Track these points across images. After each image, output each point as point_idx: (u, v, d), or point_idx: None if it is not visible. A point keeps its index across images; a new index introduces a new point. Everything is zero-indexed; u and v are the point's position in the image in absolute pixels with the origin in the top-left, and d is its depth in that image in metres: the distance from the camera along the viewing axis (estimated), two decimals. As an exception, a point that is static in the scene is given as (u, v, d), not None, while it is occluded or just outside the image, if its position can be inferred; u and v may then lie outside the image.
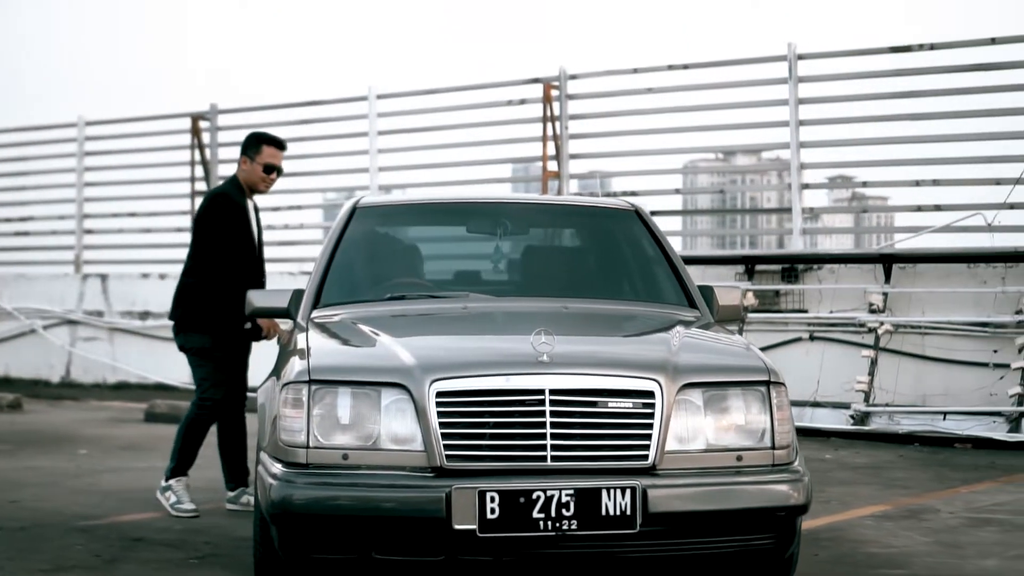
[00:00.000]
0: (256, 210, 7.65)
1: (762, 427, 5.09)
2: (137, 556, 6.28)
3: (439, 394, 4.91)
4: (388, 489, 4.85)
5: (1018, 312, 10.72)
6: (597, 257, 6.69)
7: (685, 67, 12.93)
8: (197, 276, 7.43)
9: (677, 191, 13.82)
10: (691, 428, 5.03)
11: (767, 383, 5.14)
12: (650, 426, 4.94)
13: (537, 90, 13.77)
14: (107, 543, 6.55)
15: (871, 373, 11.10)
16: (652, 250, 6.62)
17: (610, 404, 4.95)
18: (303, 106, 15.68)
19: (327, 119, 15.39)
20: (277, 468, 5.00)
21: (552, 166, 13.59)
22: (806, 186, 12.28)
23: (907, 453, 10.07)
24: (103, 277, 16.84)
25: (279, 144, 7.57)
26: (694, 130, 12.91)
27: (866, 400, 11.00)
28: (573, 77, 13.58)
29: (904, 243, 11.64)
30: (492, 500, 4.80)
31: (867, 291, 11.36)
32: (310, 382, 5.00)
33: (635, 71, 13.25)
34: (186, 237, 16.70)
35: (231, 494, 7.50)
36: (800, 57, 12.20)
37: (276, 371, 5.55)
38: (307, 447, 4.95)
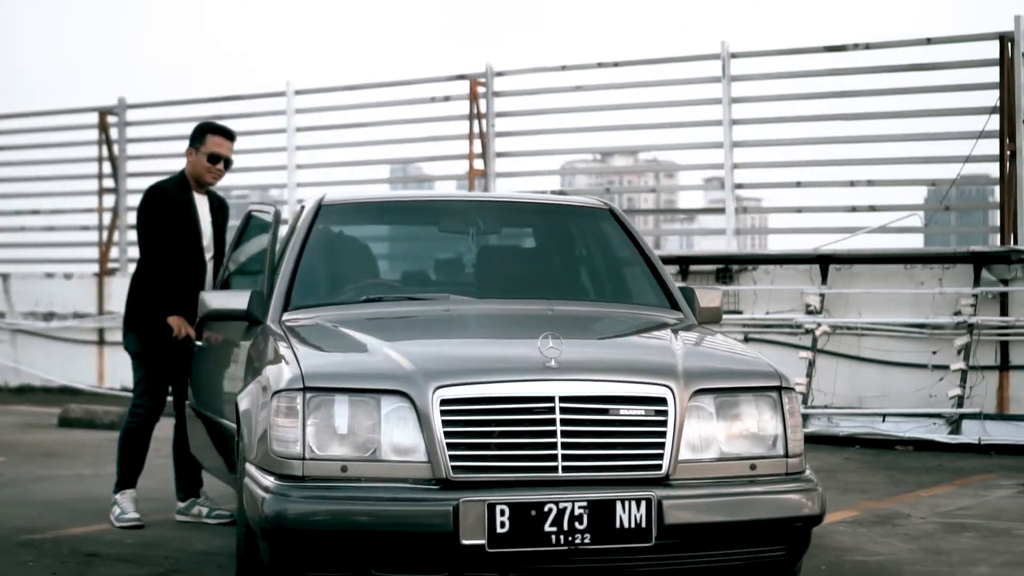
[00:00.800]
0: (220, 208, 7.26)
1: (775, 434, 4.92)
2: (96, 572, 5.94)
3: (443, 401, 4.67)
4: (391, 503, 4.59)
5: (957, 313, 10.70)
6: (573, 257, 6.48)
7: (615, 65, 12.77)
8: (136, 275, 7.10)
9: (607, 190, 13.66)
10: (704, 436, 4.83)
11: (779, 388, 4.97)
12: (663, 434, 4.74)
13: (462, 87, 13.53)
14: (60, 559, 6.20)
15: (809, 375, 11.02)
16: (628, 250, 6.43)
17: (622, 411, 4.74)
18: (218, 101, 15.28)
19: (243, 115, 15.00)
20: (269, 481, 4.71)
21: (479, 164, 13.35)
22: (739, 186, 12.17)
23: (851, 456, 9.98)
24: (4, 277, 16.30)
25: (226, 133, 7.21)
26: (624, 129, 12.75)
27: (804, 402, 10.91)
28: (500, 74, 13.36)
29: (839, 244, 11.56)
30: (502, 513, 4.56)
31: (804, 292, 11.28)
32: (304, 389, 4.73)
33: (563, 68, 13.07)
34: (93, 236, 16.26)
35: (181, 505, 7.17)
36: (733, 56, 12.09)
37: (253, 377, 5.26)
38: (303, 459, 4.68)
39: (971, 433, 10.23)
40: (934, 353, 10.76)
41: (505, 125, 13.40)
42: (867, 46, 11.60)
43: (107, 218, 15.81)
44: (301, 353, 4.97)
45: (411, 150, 13.94)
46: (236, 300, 5.89)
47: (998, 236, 10.92)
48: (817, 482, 4.94)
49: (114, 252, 15.85)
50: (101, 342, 15.50)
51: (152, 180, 15.93)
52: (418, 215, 6.58)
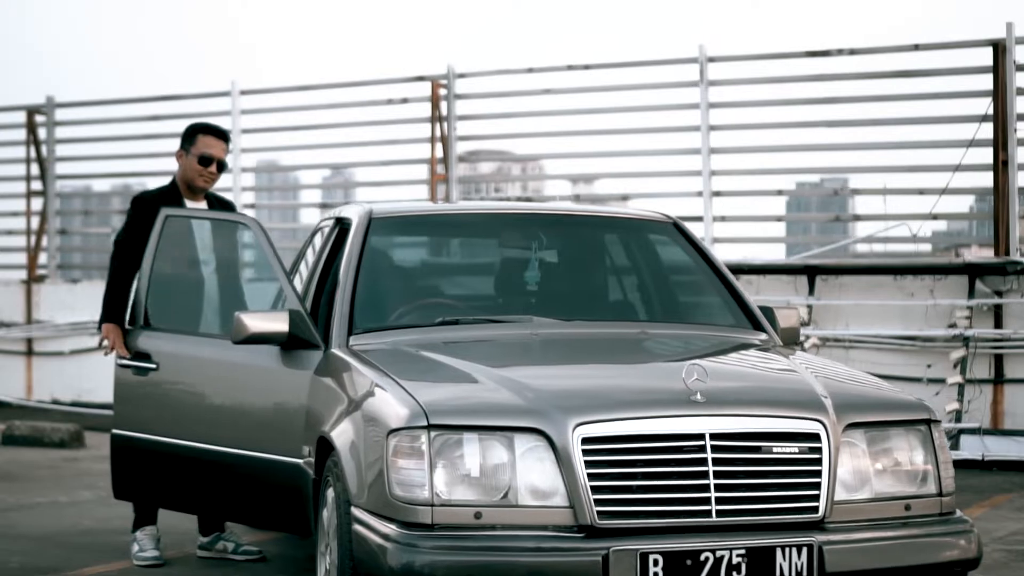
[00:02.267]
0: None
1: (927, 471, 4.58)
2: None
3: (585, 440, 4.24)
4: (534, 553, 4.17)
5: (952, 326, 10.47)
6: (643, 274, 6.07)
7: (586, 67, 12.37)
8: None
9: (577, 197, 13.27)
10: (857, 474, 4.47)
11: (928, 421, 4.64)
12: (818, 473, 4.37)
13: (422, 88, 13.04)
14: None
15: (797, 388, 10.70)
16: (698, 265, 6.05)
17: (775, 449, 4.35)
18: (156, 101, 14.60)
19: (184, 115, 14.32)
20: (390, 529, 4.25)
21: (441, 169, 12.88)
22: (717, 193, 11.84)
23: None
24: (-77, 283, 15.47)
25: (218, 133, 6.67)
26: (596, 134, 12.36)
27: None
28: (462, 76, 12.89)
29: (823, 253, 11.30)
30: (655, 563, 4.17)
31: (790, 303, 10.97)
32: (429, 428, 4.26)
33: (530, 71, 12.64)
34: (20, 240, 15.51)
35: (204, 540, 6.61)
36: (711, 60, 11.76)
37: (343, 411, 4.77)
38: (431, 504, 4.22)
39: (971, 449, 10.00)
40: (929, 366, 10.52)
41: (468, 129, 12.94)
42: (852, 51, 11.32)
43: (35, 222, 15.05)
44: (411, 386, 4.50)
45: (368, 154, 13.43)
46: (275, 322, 5.39)
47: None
48: (971, 522, 4.60)
49: (42, 258, 15.10)
50: (29, 352, 14.75)
51: (82, 183, 15.36)
52: (476, 228, 6.13)
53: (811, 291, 10.94)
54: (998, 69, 10.51)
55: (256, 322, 5.38)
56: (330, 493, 4.79)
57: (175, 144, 14.46)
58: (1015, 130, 10.50)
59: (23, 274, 15.09)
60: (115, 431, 6.15)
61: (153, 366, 6.02)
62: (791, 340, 5.87)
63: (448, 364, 4.83)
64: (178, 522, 7.09)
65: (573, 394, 4.40)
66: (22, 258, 15.24)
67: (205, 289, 6.25)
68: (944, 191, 10.88)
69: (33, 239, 15.01)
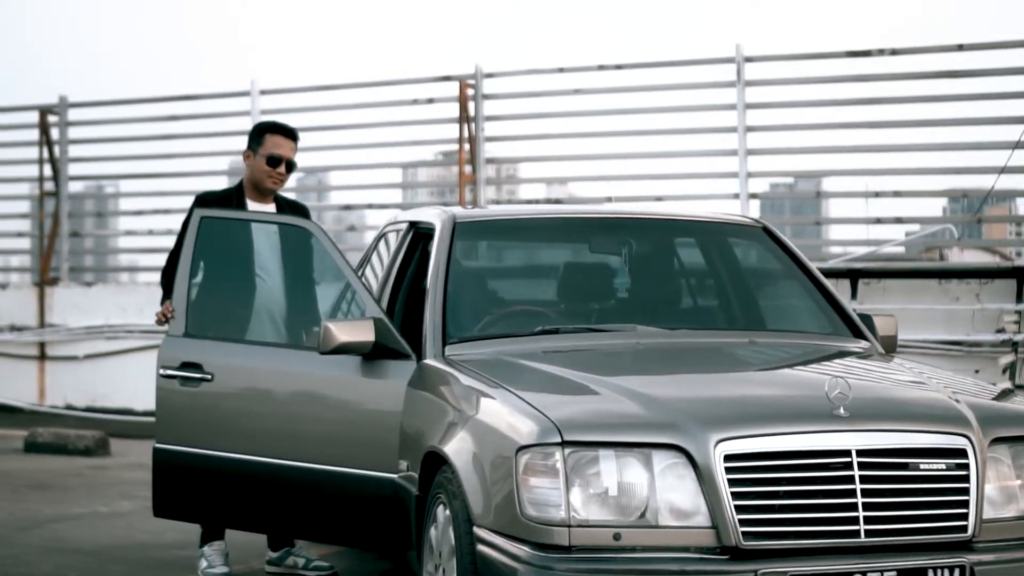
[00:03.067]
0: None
1: None
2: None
3: (728, 457, 4.03)
4: (679, 576, 3.95)
5: (1000, 331, 10.29)
6: (737, 280, 5.87)
7: (618, 67, 12.16)
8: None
9: (608, 199, 13.03)
10: (1003, 491, 4.28)
11: None
12: (966, 491, 4.17)
13: (449, 89, 12.82)
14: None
15: (841, 394, 10.51)
16: (790, 270, 5.86)
17: (922, 466, 4.15)
18: (174, 100, 14.34)
19: (202, 115, 14.11)
20: (522, 550, 4.03)
21: (469, 171, 12.66)
22: (754, 195, 11.65)
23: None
24: (-68, 286, 15.18)
25: (287, 132, 6.42)
26: (630, 135, 12.14)
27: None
28: (490, 75, 12.67)
29: (864, 257, 11.10)
30: (805, 587, 3.95)
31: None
32: (563, 444, 4.05)
33: (561, 71, 12.42)
34: (27, 243, 15.25)
35: (273, 555, 6.38)
36: (748, 59, 11.57)
37: (453, 424, 4.55)
38: (568, 525, 4.00)
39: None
40: (977, 372, 10.33)
41: (496, 129, 12.72)
42: (893, 52, 11.13)
43: (48, 224, 14.77)
44: (535, 399, 4.29)
45: (393, 155, 13.20)
46: (362, 331, 5.17)
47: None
48: None
49: (55, 260, 14.82)
50: (42, 357, 14.47)
51: (95, 184, 15.07)
52: (562, 232, 5.92)
53: (853, 295, 10.74)
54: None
55: (344, 331, 5.16)
56: (440, 511, 4.57)
57: (194, 144, 14.37)
58: (1063, 132, 10.33)
59: (35, 277, 14.82)
60: (158, 446, 5.84)
61: (206, 376, 5.74)
62: (890, 348, 5.69)
63: (563, 376, 4.62)
64: (242, 535, 6.86)
65: (711, 408, 4.19)
66: (34, 260, 14.96)
67: (261, 296, 5.98)
68: (989, 194, 10.70)
69: (46, 241, 14.74)
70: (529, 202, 12.53)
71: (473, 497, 4.29)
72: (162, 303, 6.01)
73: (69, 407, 14.14)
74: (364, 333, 5.17)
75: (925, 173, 11.17)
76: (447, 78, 12.88)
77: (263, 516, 5.63)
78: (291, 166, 6.38)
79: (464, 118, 12.58)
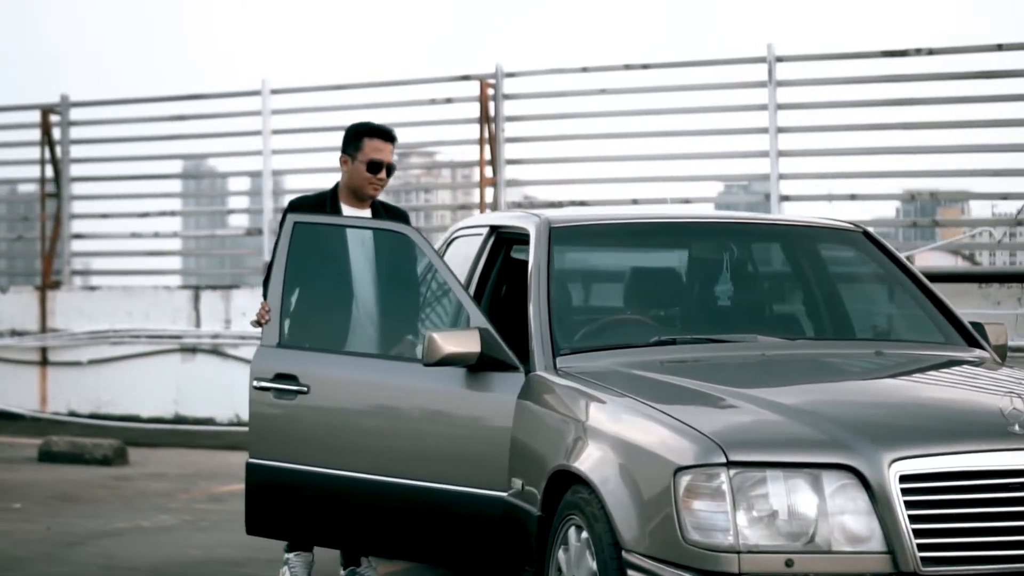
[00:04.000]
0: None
1: None
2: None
3: (903, 478, 3.80)
4: (857, 606, 3.72)
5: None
6: (839, 287, 5.66)
7: (645, 67, 11.93)
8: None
9: (634, 201, 12.81)
10: None
11: None
12: None
13: (468, 89, 12.55)
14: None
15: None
16: (894, 277, 5.66)
17: None
18: (180, 100, 14.01)
19: (211, 115, 13.80)
20: (687, 579, 3.79)
21: (490, 172, 12.40)
22: (785, 198, 11.44)
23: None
24: (-73, 290, 14.81)
25: (385, 134, 6.15)
26: (657, 135, 11.91)
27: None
28: (511, 75, 12.41)
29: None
30: (990, 618, 3.73)
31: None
32: (728, 464, 3.81)
33: (584, 70, 12.18)
34: (25, 247, 14.92)
35: (343, 573, 6.11)
36: (780, 59, 11.35)
37: (591, 444, 4.31)
38: (737, 551, 3.76)
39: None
40: (1021, 378, 10.14)
41: (517, 130, 12.46)
42: (930, 51, 10.94)
43: (49, 226, 14.42)
44: (686, 416, 4.06)
45: (414, 156, 12.91)
46: (468, 342, 4.93)
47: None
48: None
49: (56, 263, 14.47)
50: (44, 362, 14.13)
51: (99, 186, 14.76)
52: (663, 238, 5.68)
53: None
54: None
55: (449, 342, 4.92)
56: (572, 532, 4.33)
57: (202, 145, 14.05)
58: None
59: (37, 280, 14.48)
60: (252, 461, 5.56)
61: (302, 389, 5.47)
62: (1002, 358, 5.49)
63: (700, 390, 4.38)
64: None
65: (883, 426, 3.97)
66: (36, 263, 14.63)
67: (357, 304, 5.70)
68: (1031, 195, 10.52)
69: (47, 244, 14.39)
70: (555, 204, 12.29)
71: (621, 520, 4.05)
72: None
73: (72, 414, 13.81)
74: (470, 344, 4.93)
75: (963, 175, 10.99)
76: (466, 77, 12.62)
77: (360, 534, 5.36)
78: (391, 170, 6.09)
79: (484, 119, 12.33)
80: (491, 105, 12.34)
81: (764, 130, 11.40)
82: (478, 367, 4.99)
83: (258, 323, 5.68)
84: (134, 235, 14.39)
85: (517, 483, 4.79)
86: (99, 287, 14.28)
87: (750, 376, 4.64)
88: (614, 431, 4.24)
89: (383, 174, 6.06)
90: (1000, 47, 10.77)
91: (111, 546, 7.33)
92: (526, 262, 5.26)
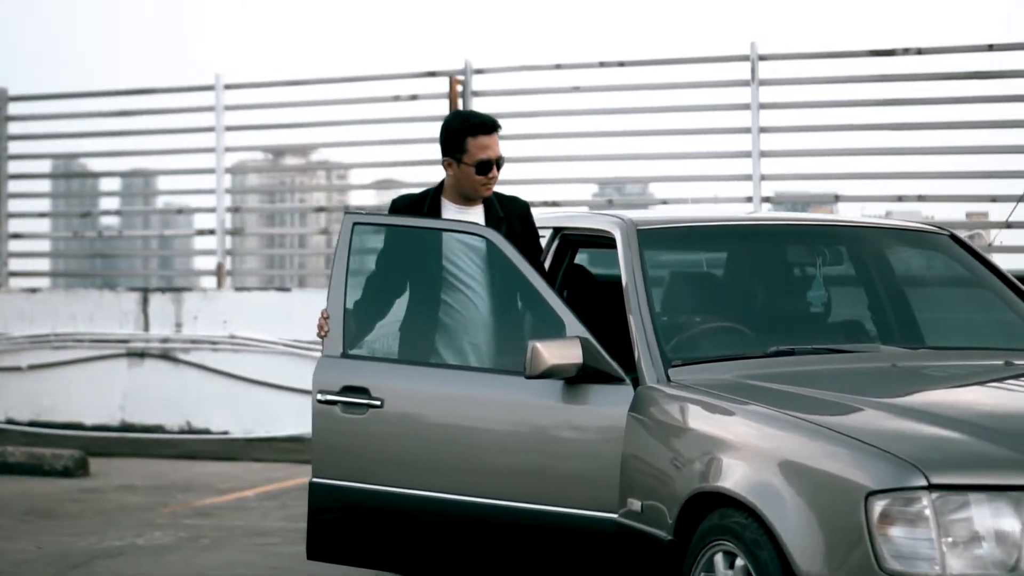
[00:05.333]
0: (509, 219, 5.45)
1: None
2: None
3: (1107, 499, 3.52)
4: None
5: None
6: (947, 292, 5.41)
7: (621, 64, 11.64)
8: None
9: (610, 202, 12.53)
10: None
11: None
12: None
13: (436, 85, 12.17)
14: None
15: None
16: (988, 282, 5.42)
17: None
18: (128, 95, 13.45)
19: (162, 111, 13.26)
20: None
21: (459, 171, 12.00)
22: (767, 199, 11.21)
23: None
24: None
25: (488, 127, 5.45)
26: (634, 135, 11.62)
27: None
28: (480, 71, 12.05)
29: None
30: None
31: (861, 316, 10.37)
32: (930, 487, 3.51)
33: (558, 67, 11.86)
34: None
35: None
36: (763, 58, 11.12)
37: (741, 463, 3.98)
38: (945, 582, 3.45)
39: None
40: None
41: (487, 128, 12.06)
42: (919, 51, 10.77)
43: (-15, 226, 13.77)
44: (866, 435, 3.75)
45: (375, 153, 12.50)
46: (571, 352, 4.58)
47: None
48: None
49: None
50: (-20, 368, 13.48)
51: (39, 183, 14.14)
52: (754, 241, 5.36)
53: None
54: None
55: (554, 353, 4.56)
56: (720, 559, 3.99)
57: (150, 142, 13.46)
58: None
59: (-28, 281, 13.83)
60: (316, 480, 5.15)
61: (375, 403, 5.07)
62: None
63: (858, 405, 4.08)
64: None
65: None
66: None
67: (438, 311, 5.25)
68: (1021, 198, 10.36)
69: (-17, 244, 13.74)
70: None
71: (795, 547, 3.71)
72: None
73: (10, 421, 13.19)
74: (572, 354, 4.57)
75: (952, 177, 10.83)
76: (433, 74, 12.24)
77: (441, 560, 4.97)
78: (501, 163, 5.46)
79: (454, 116, 11.92)
80: (460, 102, 11.97)
81: (747, 130, 11.16)
82: (577, 379, 4.65)
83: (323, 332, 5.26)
84: (77, 235, 13.80)
85: (634, 504, 4.44)
86: (40, 289, 13.67)
87: (899, 389, 4.34)
88: (771, 449, 3.91)
89: (495, 171, 5.43)
90: (991, 47, 10.66)
91: (116, 566, 6.87)
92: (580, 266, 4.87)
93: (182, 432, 12.55)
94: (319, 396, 5.10)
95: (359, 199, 11.38)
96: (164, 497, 9.23)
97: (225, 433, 12.37)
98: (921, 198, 10.82)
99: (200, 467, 10.81)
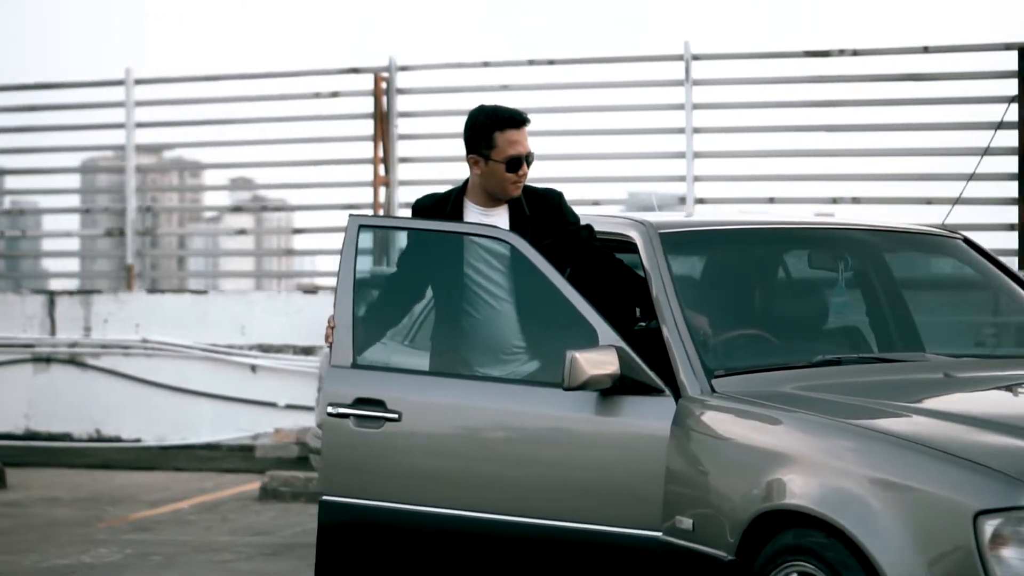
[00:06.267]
0: (536, 217, 5.06)
1: None
2: None
3: None
4: None
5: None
6: (968, 297, 5.29)
7: (551, 63, 11.45)
8: None
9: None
10: None
11: None
12: None
13: (359, 82, 11.87)
14: None
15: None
16: (1005, 287, 5.31)
17: None
18: (33, 90, 12.93)
19: (68, 106, 12.75)
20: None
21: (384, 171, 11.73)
22: (701, 200, 11.08)
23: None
24: None
25: (517, 121, 5.03)
26: (565, 135, 11.43)
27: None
28: (404, 68, 11.77)
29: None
30: None
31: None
32: (1036, 506, 3.36)
33: (485, 65, 11.63)
34: None
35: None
36: (696, 58, 11.00)
37: (793, 479, 3.81)
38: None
39: None
40: None
41: (412, 127, 11.83)
42: (855, 52, 10.73)
43: None
44: (961, 450, 3.59)
45: (293, 152, 12.16)
46: (608, 362, 4.38)
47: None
48: None
49: None
50: None
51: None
52: (782, 245, 5.19)
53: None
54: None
55: (592, 363, 4.34)
56: (802, 582, 3.81)
57: (62, 138, 12.93)
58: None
59: None
60: (327, 499, 4.84)
61: (392, 416, 4.79)
62: None
63: (938, 418, 3.91)
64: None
65: None
66: None
67: (472, 319, 4.98)
68: (957, 201, 10.36)
69: None
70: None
71: (892, 569, 3.53)
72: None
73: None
74: (609, 364, 4.36)
75: (888, 179, 10.81)
76: (355, 70, 11.94)
77: None
78: (531, 159, 5.07)
79: (379, 114, 11.66)
80: (385, 100, 11.68)
81: (680, 130, 11.04)
82: (612, 390, 4.43)
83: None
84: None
85: (683, 521, 4.23)
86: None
87: (967, 400, 4.19)
88: (854, 465, 3.73)
89: (525, 168, 5.04)
90: (927, 49, 10.64)
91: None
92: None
93: (91, 440, 12.09)
94: (330, 408, 4.81)
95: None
96: (94, 510, 8.83)
97: (137, 441, 11.94)
98: (856, 200, 10.78)
99: (120, 477, 10.40)
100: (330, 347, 4.93)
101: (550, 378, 4.51)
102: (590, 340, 4.48)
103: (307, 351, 11.62)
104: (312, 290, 12.04)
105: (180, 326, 11.97)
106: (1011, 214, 10.22)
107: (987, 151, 10.21)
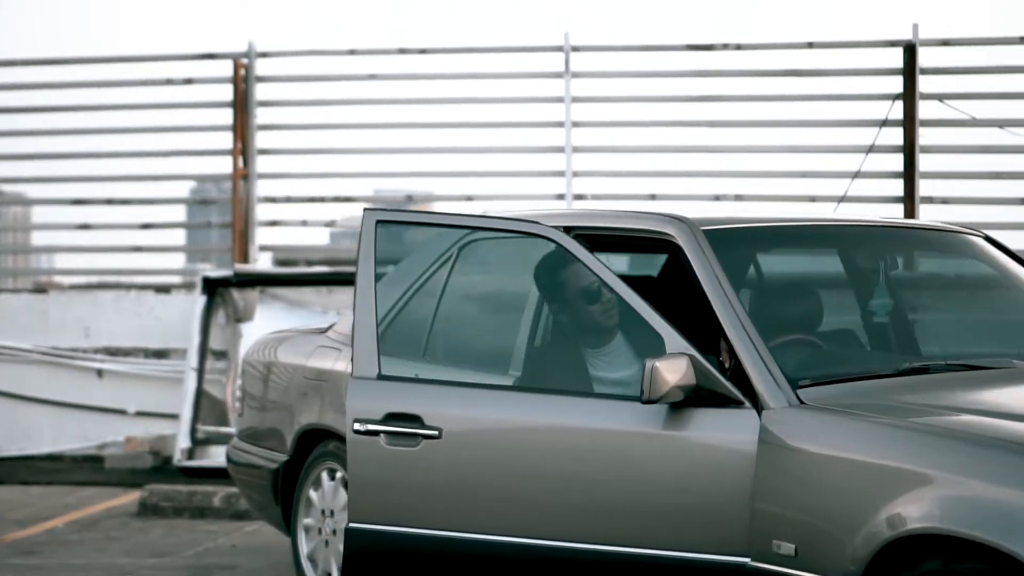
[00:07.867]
0: None
1: None
2: None
3: None
4: None
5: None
6: (997, 299, 5.08)
7: (423, 52, 10.97)
8: None
9: (409, 197, 11.81)
10: None
11: None
12: None
13: (217, 68, 11.20)
14: None
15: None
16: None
17: None
18: None
19: None
20: None
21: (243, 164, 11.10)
22: (579, 196, 10.77)
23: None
24: None
25: None
26: (438, 127, 10.99)
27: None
28: (264, 55, 11.15)
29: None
30: None
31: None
32: None
33: (352, 53, 11.09)
34: None
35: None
36: (575, 49, 10.67)
37: (936, 499, 3.50)
38: None
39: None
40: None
41: (272, 117, 11.22)
42: (738, 47, 10.55)
43: None
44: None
45: (144, 141, 11.42)
46: (684, 372, 4.03)
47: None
48: None
49: None
50: None
51: None
52: (824, 244, 4.89)
53: None
54: (911, 72, 10.05)
55: (673, 373, 3.97)
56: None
57: None
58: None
59: None
60: (354, 525, 4.38)
61: (430, 432, 4.32)
62: None
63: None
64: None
65: None
66: None
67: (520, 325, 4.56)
68: (842, 199, 10.31)
69: None
70: (316, 199, 11.13)
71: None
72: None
73: None
74: (686, 374, 4.00)
75: (772, 176, 10.66)
76: (211, 56, 11.27)
77: None
78: None
79: (239, 103, 11.02)
80: (244, 88, 11.05)
81: (560, 124, 10.70)
82: (684, 402, 4.06)
83: None
84: None
85: (782, 546, 3.89)
86: None
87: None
88: (1007, 483, 3.43)
89: None
90: (811, 45, 10.53)
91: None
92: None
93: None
94: (356, 426, 4.32)
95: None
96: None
97: (-32, 451, 11.06)
98: (739, 198, 10.61)
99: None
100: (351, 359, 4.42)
101: (613, 390, 4.12)
102: (657, 348, 4.10)
103: (159, 354, 10.95)
104: (165, 289, 11.31)
105: (16, 327, 11.14)
106: (896, 212, 10.16)
107: (872, 149, 10.19)
